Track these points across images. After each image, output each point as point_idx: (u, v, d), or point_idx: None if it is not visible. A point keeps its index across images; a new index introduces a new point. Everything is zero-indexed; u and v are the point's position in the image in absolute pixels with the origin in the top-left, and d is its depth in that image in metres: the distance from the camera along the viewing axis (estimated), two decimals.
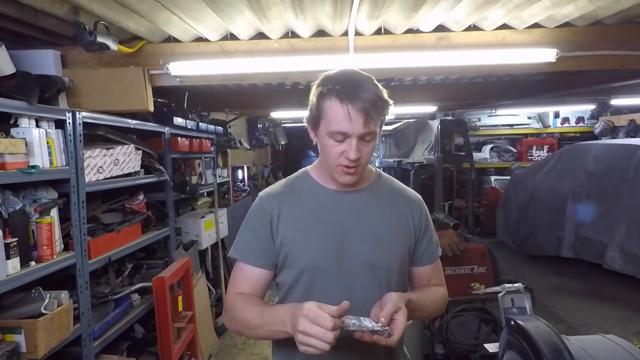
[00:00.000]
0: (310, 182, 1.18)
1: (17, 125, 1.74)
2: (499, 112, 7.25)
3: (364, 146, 1.03)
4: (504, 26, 2.50)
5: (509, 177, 6.48)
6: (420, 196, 1.24)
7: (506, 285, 2.27)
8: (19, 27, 2.08)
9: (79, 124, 2.01)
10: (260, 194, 1.20)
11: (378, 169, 1.25)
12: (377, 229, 1.12)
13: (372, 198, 1.16)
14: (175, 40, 2.50)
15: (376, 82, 1.04)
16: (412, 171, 5.09)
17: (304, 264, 1.09)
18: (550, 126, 7.82)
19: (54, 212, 1.86)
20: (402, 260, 1.14)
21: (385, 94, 1.03)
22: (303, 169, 1.23)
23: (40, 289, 1.74)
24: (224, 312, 1.14)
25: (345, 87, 1.00)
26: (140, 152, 2.60)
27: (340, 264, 1.08)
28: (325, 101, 1.02)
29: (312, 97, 1.06)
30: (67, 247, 1.97)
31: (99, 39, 2.02)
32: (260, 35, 2.51)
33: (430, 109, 5.76)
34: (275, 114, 6.13)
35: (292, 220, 1.11)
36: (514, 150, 7.82)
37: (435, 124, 5.66)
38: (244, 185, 6.03)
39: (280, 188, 1.19)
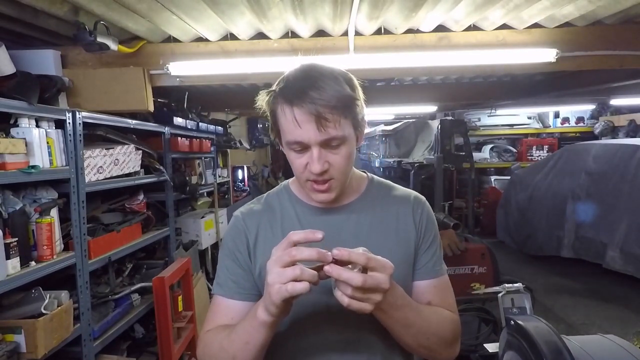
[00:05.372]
0: (291, 199, 0.98)
1: (17, 125, 1.74)
2: (499, 112, 7.25)
3: (332, 155, 0.84)
4: (504, 26, 2.50)
5: (509, 177, 6.48)
6: (421, 196, 1.03)
7: (506, 285, 2.28)
8: (19, 27, 2.09)
9: (79, 124, 2.01)
10: (236, 213, 1.01)
11: (370, 174, 1.05)
12: (372, 251, 0.87)
13: (365, 212, 0.96)
14: (175, 40, 2.50)
15: (339, 75, 0.84)
16: (412, 171, 5.09)
17: None
18: (550, 126, 7.83)
19: (54, 212, 1.86)
20: (405, 285, 0.90)
21: (349, 88, 0.84)
22: (283, 182, 1.04)
23: (40, 289, 1.74)
24: (197, 357, 0.94)
25: (294, 85, 0.82)
26: (140, 152, 2.60)
27: (330, 298, 0.84)
28: (276, 106, 0.85)
29: (264, 103, 0.88)
30: (67, 247, 1.97)
31: (99, 39, 2.02)
32: (260, 35, 2.52)
33: (430, 109, 5.76)
34: None
35: (270, 247, 0.86)
36: (514, 150, 7.82)
37: (435, 124, 5.65)
38: (244, 185, 6.03)
39: (258, 206, 1.00)
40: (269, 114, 0.88)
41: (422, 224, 0.98)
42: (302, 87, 0.80)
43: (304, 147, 0.83)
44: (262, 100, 0.88)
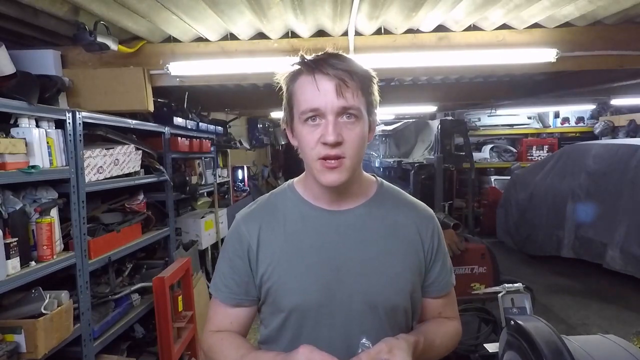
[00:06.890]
0: (296, 199, 0.96)
1: (17, 125, 1.73)
2: (499, 112, 7.25)
3: (347, 129, 0.83)
4: (504, 26, 2.49)
5: (509, 177, 6.47)
6: (431, 211, 1.03)
7: (506, 285, 2.27)
8: (19, 27, 2.08)
9: (79, 124, 2.01)
10: (238, 215, 1.00)
11: (379, 178, 1.04)
12: (379, 258, 0.90)
13: (373, 218, 0.93)
14: (175, 40, 2.50)
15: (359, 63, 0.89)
16: (412, 171, 5.09)
17: (289, 304, 0.90)
18: (550, 126, 7.82)
19: (54, 212, 1.86)
20: (412, 295, 0.94)
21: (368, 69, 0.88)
22: (288, 181, 1.02)
23: (40, 289, 1.74)
24: (201, 352, 1.03)
25: (315, 58, 0.86)
26: (140, 152, 2.59)
27: (333, 304, 0.88)
28: (294, 82, 0.87)
29: (283, 80, 0.91)
30: (67, 247, 1.97)
31: (99, 39, 2.02)
32: (260, 35, 2.51)
33: (430, 109, 5.76)
34: (275, 114, 6.14)
35: (273, 250, 0.91)
36: (514, 150, 7.82)
37: (435, 124, 5.66)
38: (244, 185, 6.03)
39: (260, 208, 0.98)
40: (285, 93, 0.90)
41: (434, 239, 0.97)
42: (325, 59, 0.85)
43: (319, 115, 0.83)
44: (281, 77, 0.91)
